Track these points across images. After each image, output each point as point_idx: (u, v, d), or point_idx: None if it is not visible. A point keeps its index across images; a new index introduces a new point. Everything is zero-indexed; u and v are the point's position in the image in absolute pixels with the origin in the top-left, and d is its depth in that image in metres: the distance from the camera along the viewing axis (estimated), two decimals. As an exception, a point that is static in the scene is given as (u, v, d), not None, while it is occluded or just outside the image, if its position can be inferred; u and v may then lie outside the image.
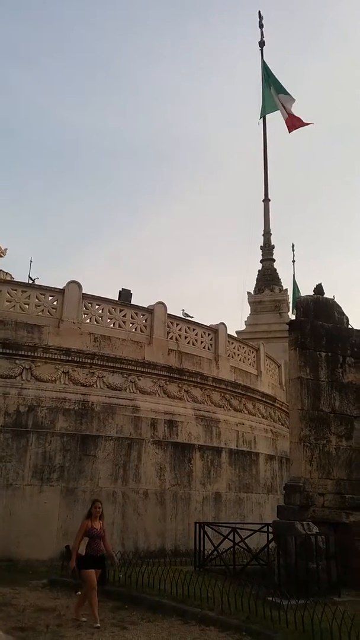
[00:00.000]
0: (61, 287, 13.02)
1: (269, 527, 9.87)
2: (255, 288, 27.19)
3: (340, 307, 12.15)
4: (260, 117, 28.06)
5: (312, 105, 64.80)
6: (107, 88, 69.80)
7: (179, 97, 70.39)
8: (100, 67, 68.08)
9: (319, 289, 12.26)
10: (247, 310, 26.65)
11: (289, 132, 26.24)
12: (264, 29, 29.89)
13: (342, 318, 12.01)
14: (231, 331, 17.98)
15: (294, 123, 25.98)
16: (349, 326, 12.01)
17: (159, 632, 6.80)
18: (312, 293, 12.29)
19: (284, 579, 8.50)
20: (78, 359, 12.42)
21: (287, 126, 26.22)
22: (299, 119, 26.08)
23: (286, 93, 26.50)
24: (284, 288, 27.17)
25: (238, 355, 16.84)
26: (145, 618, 7.33)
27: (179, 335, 14.78)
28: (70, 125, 66.01)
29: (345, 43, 65.11)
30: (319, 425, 10.54)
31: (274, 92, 26.83)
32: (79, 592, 7.74)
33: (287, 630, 6.61)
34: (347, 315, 12.17)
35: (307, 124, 26.08)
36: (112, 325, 13.57)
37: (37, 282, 18.02)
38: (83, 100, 67.29)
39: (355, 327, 12.07)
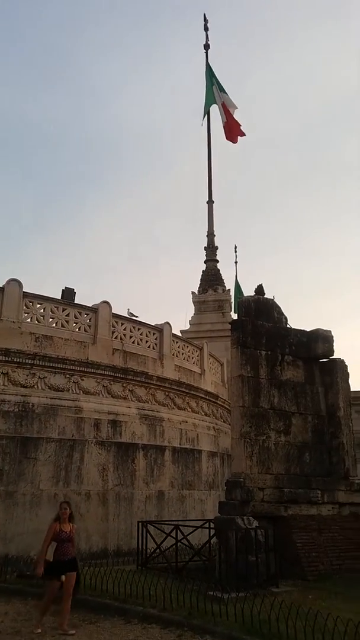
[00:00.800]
0: (0, 285, 12.65)
1: (211, 523, 10.05)
2: (199, 288, 27.54)
3: (279, 307, 12.55)
4: (204, 117, 28.54)
5: (257, 109, 66.23)
6: (54, 80, 68.30)
7: (127, 94, 69.95)
8: (48, 59, 66.52)
9: (259, 290, 12.62)
10: (191, 309, 26.97)
11: (226, 139, 27.17)
12: (209, 32, 30.39)
13: (282, 318, 12.41)
14: (176, 330, 18.12)
15: (231, 130, 26.87)
16: (288, 325, 12.43)
17: (100, 633, 6.78)
18: (253, 293, 12.64)
19: (224, 573, 8.69)
20: (18, 360, 12.11)
21: (225, 131, 27.04)
22: (237, 126, 26.94)
23: (227, 94, 27.37)
24: (227, 288, 27.72)
25: (182, 354, 16.99)
26: (87, 620, 7.28)
27: (124, 335, 14.72)
28: (12, 114, 64.05)
29: (290, 47, 66.96)
30: (259, 421, 10.85)
31: (216, 90, 27.59)
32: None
33: (228, 622, 6.75)
34: (286, 314, 12.60)
35: (242, 134, 27.05)
36: (54, 324, 13.31)
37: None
38: (28, 90, 65.46)
39: (293, 327, 12.52)
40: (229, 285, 28.45)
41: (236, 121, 27.02)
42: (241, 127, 27.18)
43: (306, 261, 69.99)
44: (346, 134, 69.43)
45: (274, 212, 71.48)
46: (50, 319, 13.29)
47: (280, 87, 67.93)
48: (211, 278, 27.49)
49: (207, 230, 28.26)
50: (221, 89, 27.58)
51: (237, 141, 27.40)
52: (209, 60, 29.33)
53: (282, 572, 9.28)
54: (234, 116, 27.11)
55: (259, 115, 67.43)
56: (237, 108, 27.39)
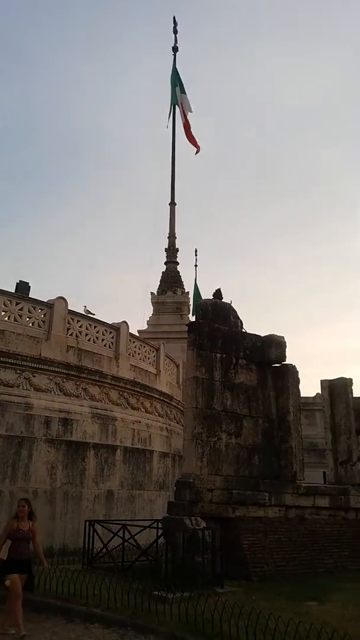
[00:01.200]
0: None
1: (159, 523, 10.04)
2: (158, 289, 27.59)
3: (236, 312, 12.72)
4: (169, 119, 28.79)
5: (220, 113, 66.99)
6: (17, 72, 66.80)
7: (94, 93, 69.25)
8: (14, 52, 64.98)
9: (218, 294, 12.76)
10: (149, 310, 26.97)
11: (187, 138, 27.89)
12: (178, 35, 30.60)
13: (237, 322, 12.59)
14: (133, 330, 18.04)
15: (188, 132, 27.69)
16: (243, 330, 12.61)
17: (42, 632, 6.66)
18: (211, 297, 12.77)
19: (171, 573, 8.69)
20: (-33, 353, 11.74)
21: (185, 130, 27.82)
22: (189, 127, 27.74)
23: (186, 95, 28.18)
24: (186, 291, 27.91)
25: (139, 354, 16.93)
26: (29, 619, 7.11)
27: (80, 332, 14.52)
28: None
29: (252, 52, 68.08)
30: (211, 423, 10.93)
31: (179, 92, 28.22)
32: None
33: (172, 622, 6.76)
34: (242, 319, 12.78)
35: (193, 138, 27.90)
36: (6, 318, 12.97)
37: None
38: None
39: (248, 332, 12.71)
40: (188, 287, 28.70)
41: (189, 123, 27.81)
42: (191, 129, 27.98)
43: (263, 269, 71.26)
44: (307, 144, 71.24)
45: (236, 219, 72.44)
46: (3, 312, 12.94)
47: (245, 94, 68.98)
48: (171, 280, 27.61)
49: (168, 231, 28.38)
50: (182, 91, 28.18)
51: (199, 150, 28.22)
52: (176, 63, 29.63)
53: (228, 572, 9.37)
54: (188, 119, 27.93)
55: (227, 118, 68.27)
56: (191, 112, 28.21)
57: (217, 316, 12.13)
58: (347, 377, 13.37)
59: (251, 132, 70.06)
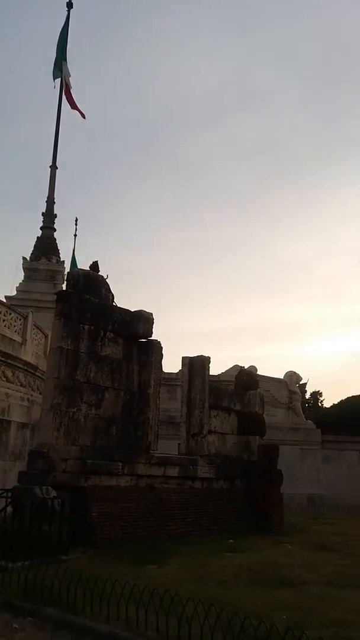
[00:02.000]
0: None
1: (9, 493, 9.81)
2: (31, 254, 26.38)
3: (108, 285, 12.68)
4: (55, 78, 27.30)
5: (114, 80, 65.26)
6: None
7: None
8: None
9: (94, 266, 12.62)
10: (21, 276, 25.75)
11: (71, 108, 26.98)
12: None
13: (109, 295, 12.58)
14: (0, 296, 17.15)
15: (70, 100, 26.77)
16: (114, 304, 12.64)
17: None
18: (87, 268, 12.59)
19: (16, 543, 8.57)
20: None
21: (68, 101, 26.80)
22: (73, 101, 26.91)
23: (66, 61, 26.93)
24: (62, 260, 27.06)
25: (4, 320, 16.15)
26: None
27: None
28: None
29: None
30: (72, 394, 10.87)
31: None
32: None
33: (10, 590, 6.70)
34: (115, 293, 12.79)
35: (81, 112, 27.18)
36: None
37: None
38: None
39: (120, 306, 12.77)
40: (66, 257, 27.83)
41: (72, 97, 26.95)
42: (71, 91, 27.13)
43: (141, 246, 71.71)
44: (198, 125, 72.41)
45: (121, 193, 71.61)
46: None
47: (144, 63, 67.91)
48: (46, 246, 26.52)
49: (47, 195, 27.15)
50: (62, 56, 27.03)
51: (84, 116, 27.43)
52: (69, 20, 28.01)
53: (77, 541, 9.46)
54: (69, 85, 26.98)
55: (121, 87, 66.58)
56: (70, 75, 27.28)
57: (88, 288, 12.00)
58: (205, 355, 14.11)
59: (144, 104, 69.38)
